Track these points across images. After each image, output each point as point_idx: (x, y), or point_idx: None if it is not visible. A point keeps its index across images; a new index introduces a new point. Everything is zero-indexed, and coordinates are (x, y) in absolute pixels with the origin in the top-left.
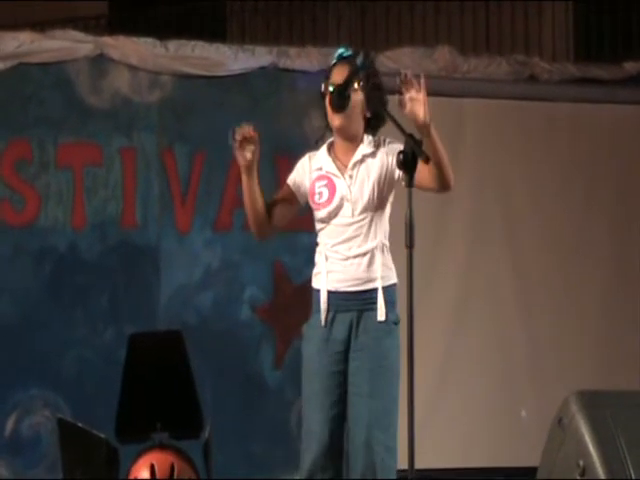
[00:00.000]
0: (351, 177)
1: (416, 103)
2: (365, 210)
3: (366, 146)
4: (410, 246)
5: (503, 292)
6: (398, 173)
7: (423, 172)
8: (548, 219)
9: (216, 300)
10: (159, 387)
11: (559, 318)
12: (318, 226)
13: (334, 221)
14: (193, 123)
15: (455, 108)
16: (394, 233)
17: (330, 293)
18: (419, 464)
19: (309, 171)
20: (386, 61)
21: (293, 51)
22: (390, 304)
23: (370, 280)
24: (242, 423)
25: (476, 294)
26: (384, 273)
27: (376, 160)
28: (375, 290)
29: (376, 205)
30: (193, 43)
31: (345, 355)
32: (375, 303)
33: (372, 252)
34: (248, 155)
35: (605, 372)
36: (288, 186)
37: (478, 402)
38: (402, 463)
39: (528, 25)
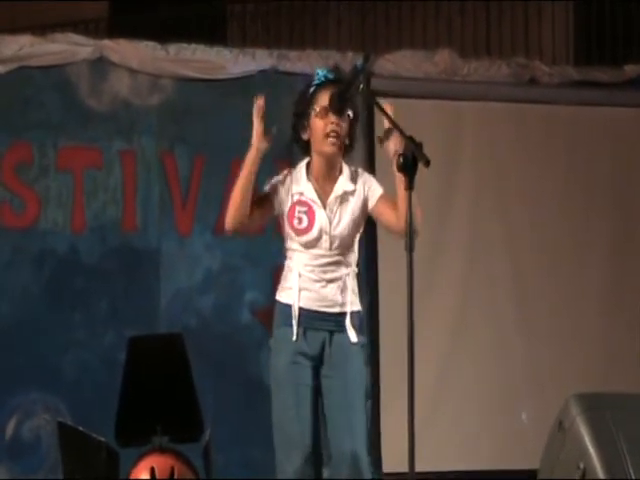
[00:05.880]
0: (331, 211)
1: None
2: (341, 246)
3: (346, 180)
4: (410, 249)
5: (502, 295)
6: (371, 208)
7: (389, 215)
8: (547, 221)
9: (216, 303)
10: (159, 390)
11: (558, 321)
12: (292, 245)
13: (311, 250)
14: (193, 126)
15: (455, 111)
16: (394, 237)
17: (302, 309)
18: (418, 467)
19: (289, 192)
20: (386, 64)
21: (293, 54)
22: (359, 328)
23: (341, 304)
24: (242, 426)
25: (475, 297)
26: (352, 299)
27: (355, 198)
28: (344, 314)
29: (352, 241)
30: (193, 46)
31: (317, 371)
32: (344, 326)
33: (345, 278)
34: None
35: (605, 375)
36: (268, 192)
37: (478, 405)
38: (402, 466)
39: (528, 28)
